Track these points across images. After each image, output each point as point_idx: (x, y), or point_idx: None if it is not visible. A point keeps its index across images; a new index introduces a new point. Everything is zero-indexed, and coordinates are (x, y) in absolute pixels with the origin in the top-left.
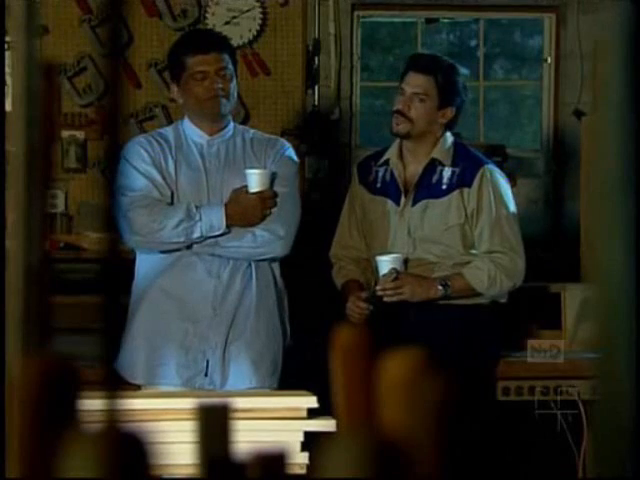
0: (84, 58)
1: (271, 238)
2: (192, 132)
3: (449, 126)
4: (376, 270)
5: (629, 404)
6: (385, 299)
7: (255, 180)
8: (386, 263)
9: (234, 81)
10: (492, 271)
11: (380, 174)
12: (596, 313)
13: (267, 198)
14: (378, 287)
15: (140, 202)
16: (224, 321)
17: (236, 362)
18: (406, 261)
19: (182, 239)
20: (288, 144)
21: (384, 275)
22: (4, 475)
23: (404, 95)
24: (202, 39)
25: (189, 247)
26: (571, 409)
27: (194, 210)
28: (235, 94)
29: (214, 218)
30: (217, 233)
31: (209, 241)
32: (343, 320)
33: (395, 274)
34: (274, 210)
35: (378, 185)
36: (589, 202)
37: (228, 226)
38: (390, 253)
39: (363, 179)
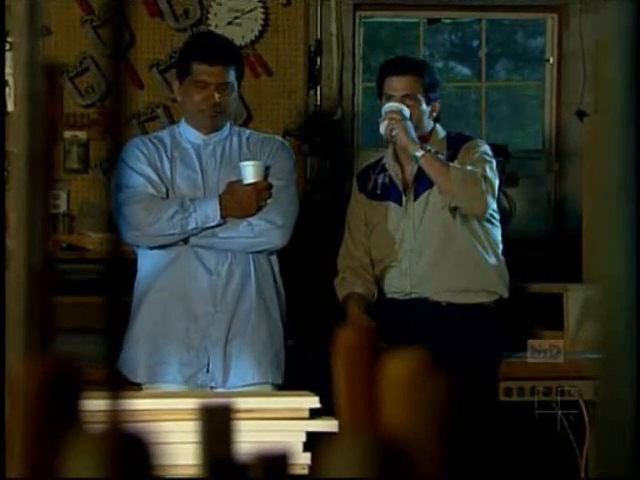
0: (86, 59)
1: (268, 227)
2: (188, 133)
3: (437, 119)
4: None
5: (630, 404)
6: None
7: (249, 171)
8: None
9: (234, 94)
10: (475, 174)
11: (380, 180)
12: (598, 313)
13: (262, 189)
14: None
15: (135, 197)
16: (224, 317)
17: (238, 358)
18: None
19: (177, 230)
20: (284, 141)
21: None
22: (5, 475)
23: (394, 100)
24: (212, 48)
25: (186, 241)
26: (573, 409)
27: (188, 202)
28: (233, 106)
29: (209, 209)
30: (212, 224)
31: (205, 232)
32: (344, 320)
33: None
34: (270, 201)
35: (378, 191)
36: (591, 202)
37: (223, 217)
38: (397, 254)
39: (363, 188)
